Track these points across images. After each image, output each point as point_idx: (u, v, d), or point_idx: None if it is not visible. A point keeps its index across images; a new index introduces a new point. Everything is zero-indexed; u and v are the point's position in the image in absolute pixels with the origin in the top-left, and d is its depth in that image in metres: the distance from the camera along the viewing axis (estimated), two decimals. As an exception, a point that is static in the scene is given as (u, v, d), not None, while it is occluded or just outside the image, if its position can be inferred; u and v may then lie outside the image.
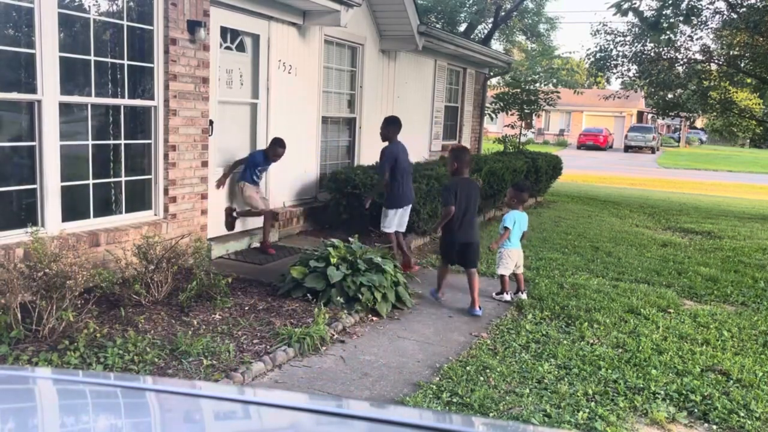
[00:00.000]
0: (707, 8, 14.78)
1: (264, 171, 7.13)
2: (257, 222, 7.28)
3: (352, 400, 3.01)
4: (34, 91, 4.79)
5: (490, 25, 22.58)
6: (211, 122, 6.44)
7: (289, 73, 7.83)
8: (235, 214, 7.16)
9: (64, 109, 5.07)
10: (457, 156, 5.73)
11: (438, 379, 4.09)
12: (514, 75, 18.29)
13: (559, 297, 5.94)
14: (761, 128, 18.97)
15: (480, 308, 5.53)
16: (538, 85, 18.36)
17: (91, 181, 5.40)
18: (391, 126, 6.76)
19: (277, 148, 6.96)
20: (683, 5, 13.29)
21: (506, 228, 5.92)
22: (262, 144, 7.47)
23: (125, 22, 5.48)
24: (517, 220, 5.95)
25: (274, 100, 7.58)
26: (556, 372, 4.26)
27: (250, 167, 6.93)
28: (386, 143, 6.73)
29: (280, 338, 4.44)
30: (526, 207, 6.11)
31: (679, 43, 16.00)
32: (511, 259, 5.94)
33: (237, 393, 1.54)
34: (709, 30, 16.06)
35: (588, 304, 5.76)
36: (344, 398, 3.59)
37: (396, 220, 6.68)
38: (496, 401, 3.77)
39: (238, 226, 7.28)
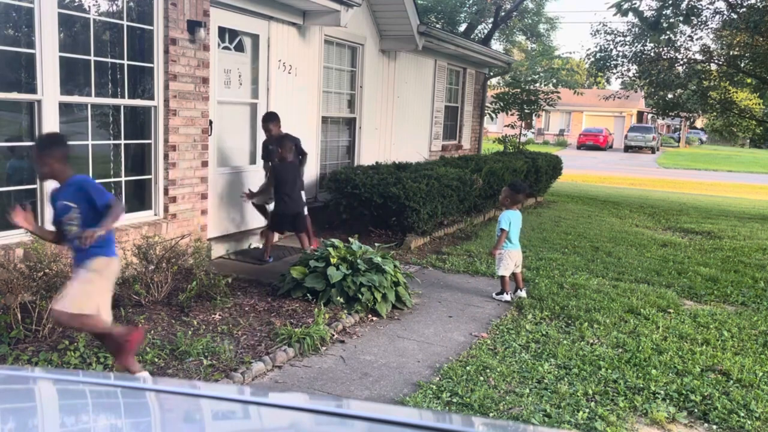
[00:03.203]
0: (707, 8, 14.77)
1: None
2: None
3: (352, 400, 3.01)
4: (34, 91, 4.79)
5: (490, 25, 22.56)
6: (210, 122, 6.44)
7: (289, 73, 7.83)
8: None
9: (64, 109, 5.07)
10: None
11: (438, 379, 4.09)
12: (514, 75, 18.30)
13: (559, 297, 5.94)
14: (761, 128, 18.95)
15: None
16: (538, 85, 18.36)
17: (91, 181, 5.40)
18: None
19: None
20: (683, 5, 13.31)
21: (502, 230, 5.89)
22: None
23: (125, 22, 5.48)
24: (512, 220, 5.92)
25: (273, 100, 7.57)
26: (556, 372, 4.26)
27: None
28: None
29: (280, 338, 4.44)
30: (526, 207, 6.10)
31: (679, 43, 15.99)
32: (511, 259, 5.92)
33: (237, 393, 1.54)
34: (709, 30, 16.06)
35: (588, 304, 5.76)
36: (344, 398, 3.59)
37: None
38: (496, 401, 3.77)
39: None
